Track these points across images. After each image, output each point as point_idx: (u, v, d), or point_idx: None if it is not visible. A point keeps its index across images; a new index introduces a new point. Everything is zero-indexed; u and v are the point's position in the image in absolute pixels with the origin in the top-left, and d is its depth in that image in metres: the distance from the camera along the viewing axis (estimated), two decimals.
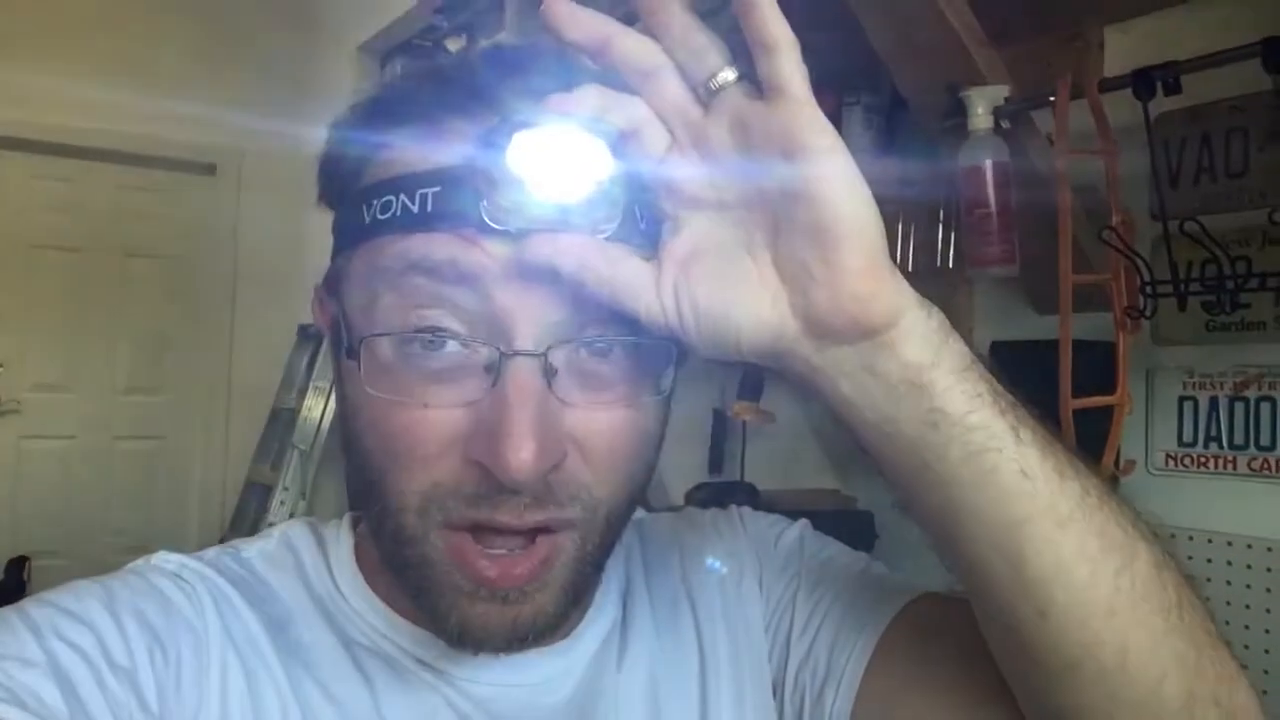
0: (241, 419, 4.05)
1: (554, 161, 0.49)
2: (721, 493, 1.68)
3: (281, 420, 3.68)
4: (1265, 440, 1.26)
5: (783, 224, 0.47)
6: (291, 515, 3.41)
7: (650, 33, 0.47)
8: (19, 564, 3.84)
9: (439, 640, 0.58)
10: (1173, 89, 1.12)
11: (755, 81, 0.46)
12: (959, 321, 1.67)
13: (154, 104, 3.70)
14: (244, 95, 3.87)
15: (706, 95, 0.47)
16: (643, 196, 0.52)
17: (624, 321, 0.52)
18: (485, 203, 0.50)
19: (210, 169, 4.16)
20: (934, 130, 1.37)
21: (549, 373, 0.51)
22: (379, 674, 0.57)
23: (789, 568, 0.68)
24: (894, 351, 0.46)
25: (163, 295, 4.19)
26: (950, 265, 1.50)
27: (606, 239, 0.51)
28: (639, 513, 0.73)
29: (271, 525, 2.33)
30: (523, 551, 0.52)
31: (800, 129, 0.45)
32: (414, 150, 0.53)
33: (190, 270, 4.20)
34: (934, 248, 1.51)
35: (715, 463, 2.04)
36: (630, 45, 0.47)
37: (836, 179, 0.45)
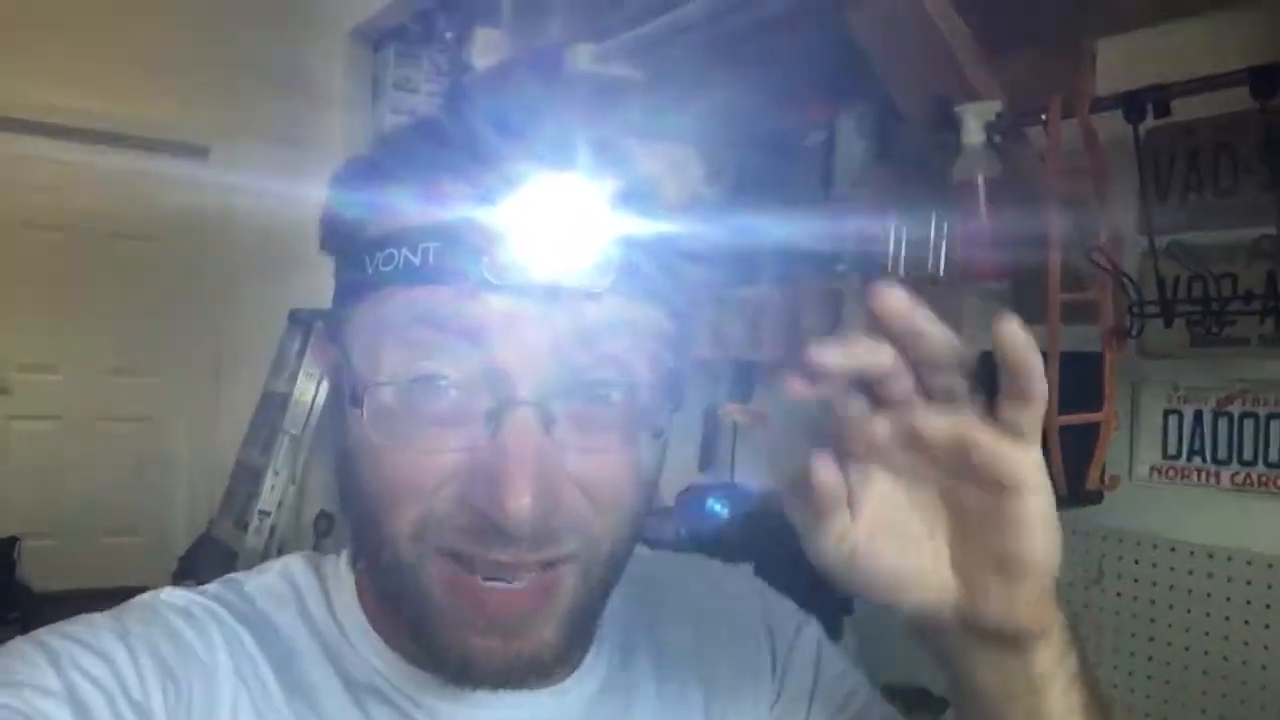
0: (231, 402, 4.04)
1: (553, 221, 0.51)
2: (710, 493, 1.70)
3: (272, 404, 3.68)
4: (1248, 455, 1.28)
5: (974, 532, 0.50)
6: (281, 501, 3.42)
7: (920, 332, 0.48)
8: (9, 544, 3.85)
9: (437, 680, 0.59)
10: (1161, 112, 1.13)
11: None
12: (950, 329, 1.69)
13: (146, 86, 3.68)
14: (237, 78, 3.85)
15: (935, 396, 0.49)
16: (641, 252, 0.54)
17: (622, 367, 0.54)
18: (486, 259, 0.51)
19: (203, 152, 4.14)
20: (927, 142, 1.38)
21: (548, 421, 0.52)
22: (379, 716, 0.59)
23: (806, 672, 0.72)
24: (1027, 660, 0.51)
25: (153, 277, 4.18)
26: (941, 274, 1.51)
27: (602, 292, 0.53)
28: (641, 549, 0.75)
29: (262, 511, 2.34)
30: (523, 584, 0.53)
31: (1025, 470, 0.48)
32: (415, 205, 0.54)
33: (181, 252, 4.19)
34: (925, 256, 1.52)
35: (706, 462, 2.05)
36: (935, 335, 0.48)
37: (1041, 521, 0.49)
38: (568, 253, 0.52)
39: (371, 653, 0.61)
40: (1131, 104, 1.13)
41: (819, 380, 0.48)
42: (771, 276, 1.77)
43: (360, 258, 0.55)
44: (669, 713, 0.66)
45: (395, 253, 0.53)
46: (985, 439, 0.48)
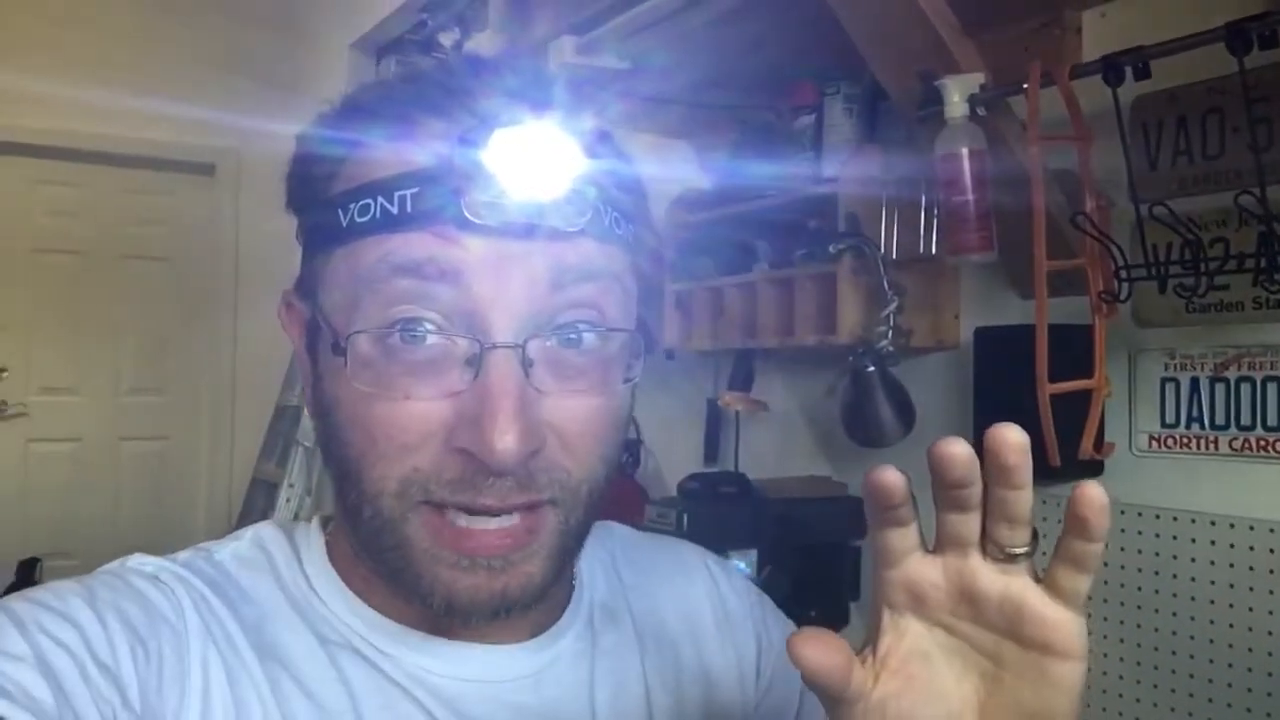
0: (246, 417, 4.07)
1: (530, 159, 0.52)
2: (712, 482, 1.69)
3: (286, 417, 3.71)
4: (1246, 420, 1.27)
5: (1007, 686, 0.49)
6: (297, 513, 3.44)
7: (994, 473, 0.46)
8: (30, 565, 3.88)
9: (411, 633, 0.60)
10: (1142, 74, 1.12)
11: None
12: (945, 307, 1.69)
13: (152, 106, 3.71)
14: (240, 95, 3.88)
15: (997, 551, 0.48)
16: (611, 194, 0.55)
17: (595, 310, 0.55)
18: (465, 199, 0.52)
19: (209, 169, 4.18)
20: (912, 118, 1.37)
21: (526, 364, 0.53)
22: (354, 672, 0.59)
23: (792, 693, 0.74)
24: None
25: (165, 296, 4.22)
26: (934, 252, 1.50)
27: (577, 233, 0.54)
28: (615, 525, 0.75)
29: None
30: (505, 523, 0.55)
31: (1074, 639, 0.48)
32: (391, 151, 0.55)
33: (192, 270, 4.22)
34: (917, 235, 1.52)
35: (710, 452, 2.05)
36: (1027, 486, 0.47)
37: (1079, 686, 0.48)
38: (545, 191, 0.53)
39: (344, 610, 0.61)
40: (1110, 67, 1.12)
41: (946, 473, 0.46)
42: (765, 263, 1.77)
43: (333, 211, 0.56)
44: (642, 683, 0.66)
45: (371, 203, 0.54)
46: (1038, 605, 0.47)
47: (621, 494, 1.94)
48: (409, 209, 0.53)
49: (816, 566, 1.63)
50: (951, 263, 1.39)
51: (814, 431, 1.90)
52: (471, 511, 0.54)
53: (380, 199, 0.54)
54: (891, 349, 1.52)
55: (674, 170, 1.90)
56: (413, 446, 0.54)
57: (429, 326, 0.54)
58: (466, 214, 0.52)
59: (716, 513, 1.63)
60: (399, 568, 0.56)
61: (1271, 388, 1.24)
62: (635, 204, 0.60)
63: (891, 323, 1.51)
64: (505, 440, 0.51)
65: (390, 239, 0.53)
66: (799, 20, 1.46)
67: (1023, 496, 0.46)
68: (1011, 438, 0.45)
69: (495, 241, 0.53)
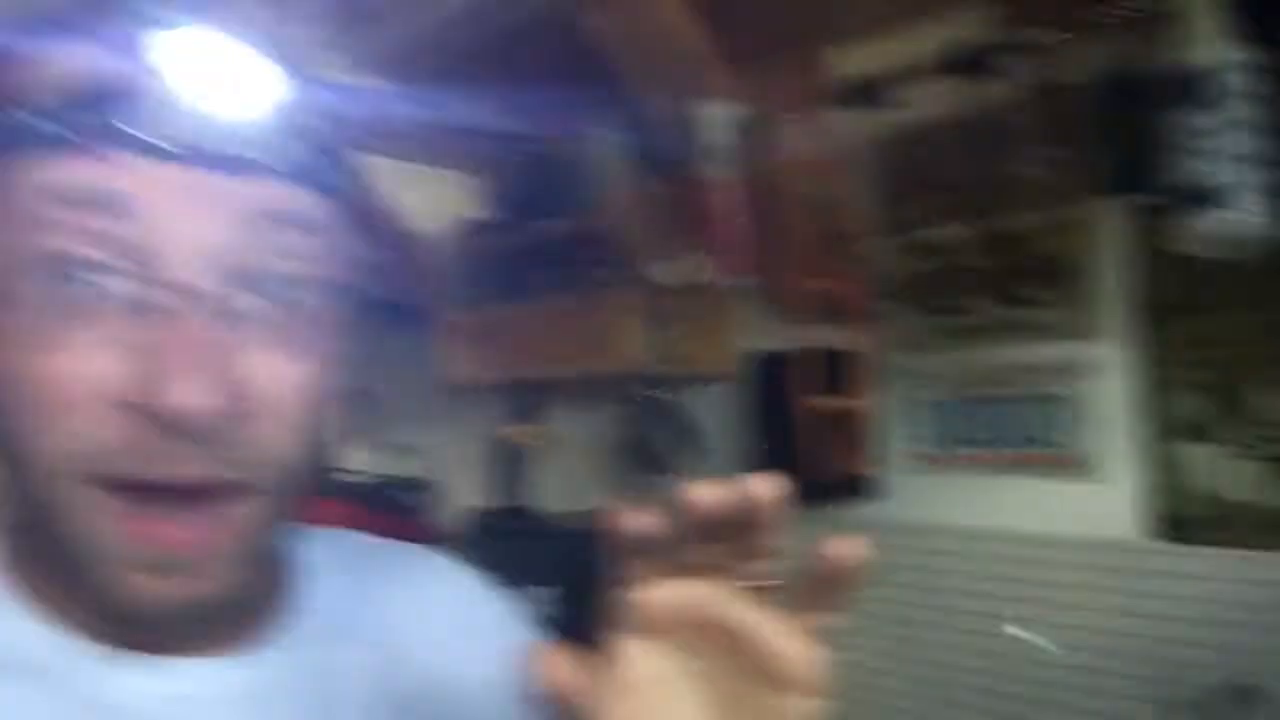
0: None
1: (215, 75, 0.46)
2: (503, 518, 1.66)
3: None
4: (991, 436, 1.33)
5: (741, 698, 0.46)
6: None
7: (743, 518, 0.44)
8: None
9: (93, 649, 0.52)
10: (887, 105, 1.17)
11: None
12: (720, 335, 1.71)
13: None
14: None
15: (742, 583, 0.45)
16: (314, 129, 0.49)
17: (293, 261, 0.49)
18: (136, 117, 0.45)
19: None
20: (680, 148, 1.40)
21: (210, 310, 0.46)
22: (21, 695, 0.52)
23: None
24: None
25: None
26: (706, 279, 1.53)
27: (273, 170, 0.47)
28: (346, 532, 0.70)
29: None
30: (190, 516, 0.47)
31: (808, 675, 0.45)
32: (39, 61, 0.48)
33: None
34: (690, 262, 1.54)
35: (501, 488, 2.01)
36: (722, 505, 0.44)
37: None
38: (229, 113, 0.46)
39: (12, 624, 0.53)
40: (857, 99, 1.17)
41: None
42: (539, 290, 1.76)
43: None
44: (365, 700, 0.61)
45: (25, 122, 0.46)
46: (779, 640, 0.45)
47: (409, 535, 1.87)
48: (69, 128, 0.46)
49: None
50: (722, 288, 1.42)
51: (603, 461, 1.89)
52: (149, 488, 0.47)
53: (36, 117, 0.46)
54: (669, 376, 1.53)
55: (448, 200, 1.87)
56: (76, 406, 0.46)
57: (96, 265, 0.46)
58: (136, 134, 0.45)
59: (509, 550, 1.59)
60: (69, 572, 0.48)
61: (1011, 406, 1.31)
62: (336, 139, 0.53)
63: (668, 350, 1.52)
64: (184, 387, 0.44)
65: (46, 164, 0.46)
66: (569, 51, 1.46)
67: (772, 535, 0.46)
68: (760, 491, 0.44)
69: (173, 170, 0.46)
